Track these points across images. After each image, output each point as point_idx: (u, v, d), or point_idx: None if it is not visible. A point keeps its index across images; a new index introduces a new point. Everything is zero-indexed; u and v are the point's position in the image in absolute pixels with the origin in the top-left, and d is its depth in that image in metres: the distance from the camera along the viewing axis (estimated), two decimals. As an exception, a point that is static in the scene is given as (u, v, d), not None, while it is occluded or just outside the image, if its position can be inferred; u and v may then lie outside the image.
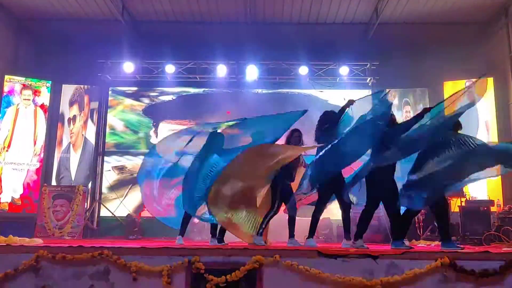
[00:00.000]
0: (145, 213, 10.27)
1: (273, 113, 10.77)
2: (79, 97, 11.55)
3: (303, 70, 11.43)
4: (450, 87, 11.08)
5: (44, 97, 11.05)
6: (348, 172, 5.96)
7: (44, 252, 4.50)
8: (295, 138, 6.29)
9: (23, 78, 10.97)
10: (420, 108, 11.16)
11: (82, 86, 11.63)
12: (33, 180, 10.63)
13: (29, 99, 10.87)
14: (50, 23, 11.19)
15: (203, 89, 12.06)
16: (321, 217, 6.06)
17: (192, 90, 12.11)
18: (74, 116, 11.44)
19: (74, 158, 11.26)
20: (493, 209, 8.27)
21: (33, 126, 10.84)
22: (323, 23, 11.14)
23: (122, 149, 11.78)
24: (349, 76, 11.50)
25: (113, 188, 11.45)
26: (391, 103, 5.85)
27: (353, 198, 5.77)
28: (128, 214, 10.53)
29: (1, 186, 10.38)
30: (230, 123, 6.65)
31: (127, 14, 10.76)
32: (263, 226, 5.98)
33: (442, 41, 11.49)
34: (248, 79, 11.64)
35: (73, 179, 11.08)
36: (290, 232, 6.18)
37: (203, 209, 6.20)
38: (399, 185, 5.56)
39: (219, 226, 6.33)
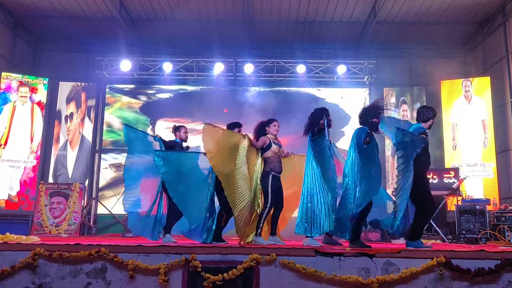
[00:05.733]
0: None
1: (271, 111, 10.95)
2: (76, 94, 11.53)
3: (301, 68, 11.44)
4: (447, 86, 11.13)
5: (41, 95, 11.01)
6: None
7: (41, 250, 4.50)
8: (274, 127, 6.32)
9: (20, 75, 10.93)
10: (417, 106, 11.22)
11: (79, 83, 11.60)
12: (29, 178, 10.60)
13: (26, 96, 10.83)
14: (47, 20, 11.15)
15: (200, 87, 12.05)
16: None
17: (189, 88, 12.10)
18: (71, 114, 11.42)
19: (71, 156, 11.24)
20: (489, 207, 8.30)
21: (30, 123, 10.80)
22: (321, 21, 11.13)
23: (119, 147, 11.73)
24: (347, 75, 11.51)
25: (110, 185, 11.45)
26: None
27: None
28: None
29: (-2, 184, 10.37)
30: None
31: (124, 12, 10.73)
32: (261, 226, 5.97)
33: (439, 40, 11.53)
34: (245, 77, 11.65)
35: (70, 176, 11.07)
36: (272, 229, 6.17)
37: None
38: None
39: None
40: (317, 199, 5.78)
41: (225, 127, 6.53)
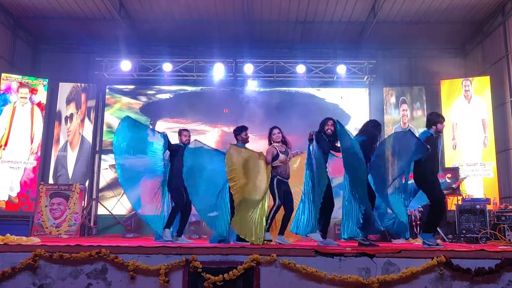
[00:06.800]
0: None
1: (271, 111, 10.95)
2: (76, 95, 11.53)
3: (301, 68, 11.44)
4: (447, 86, 11.14)
5: (41, 95, 11.02)
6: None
7: (41, 251, 4.51)
8: (274, 135, 6.47)
9: (20, 76, 10.94)
10: (417, 106, 11.24)
11: (79, 84, 11.60)
12: (30, 179, 10.60)
13: (26, 97, 10.84)
14: (47, 21, 11.15)
15: (200, 87, 12.06)
16: None
17: (189, 88, 12.10)
18: (71, 114, 11.42)
19: (71, 156, 11.24)
20: (489, 207, 8.30)
21: (30, 124, 10.80)
22: (321, 21, 11.13)
23: (119, 148, 11.74)
24: (346, 75, 11.51)
25: (110, 186, 11.45)
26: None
27: None
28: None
29: (-2, 185, 10.37)
30: None
31: (124, 12, 10.73)
32: (269, 222, 6.11)
33: (439, 39, 11.53)
34: (245, 77, 11.66)
35: (70, 177, 11.07)
36: (282, 229, 6.28)
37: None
38: None
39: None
40: (304, 201, 6.13)
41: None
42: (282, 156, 6.34)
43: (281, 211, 6.31)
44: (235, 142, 6.71)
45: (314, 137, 6.08)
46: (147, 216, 6.85)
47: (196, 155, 6.46)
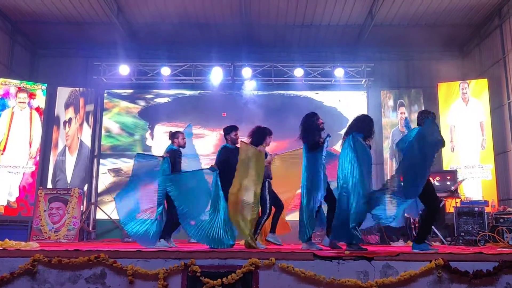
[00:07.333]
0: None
1: (269, 114, 10.96)
2: (74, 99, 11.54)
3: (299, 72, 11.47)
4: (444, 88, 11.16)
5: (40, 100, 11.02)
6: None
7: (40, 256, 4.50)
8: (270, 139, 6.44)
9: (19, 81, 10.95)
10: (415, 109, 11.26)
11: (77, 88, 11.61)
12: (28, 183, 10.60)
13: (24, 102, 10.84)
14: (46, 26, 11.18)
15: (198, 91, 12.08)
16: None
17: (187, 92, 12.12)
18: (70, 119, 11.43)
19: (70, 161, 11.24)
20: (487, 209, 8.32)
21: (29, 129, 10.80)
22: (318, 25, 11.17)
23: (118, 152, 11.78)
24: (344, 78, 11.56)
25: (109, 190, 11.44)
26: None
27: None
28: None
29: (-3, 189, 10.36)
30: None
31: (122, 17, 10.76)
32: (258, 231, 6.07)
33: (437, 42, 11.57)
34: (243, 81, 11.68)
35: (69, 181, 11.07)
36: (272, 228, 6.30)
37: None
38: None
39: None
40: (305, 206, 5.86)
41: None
42: (269, 157, 6.39)
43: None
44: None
45: (326, 141, 5.79)
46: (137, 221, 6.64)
47: (178, 184, 6.33)
